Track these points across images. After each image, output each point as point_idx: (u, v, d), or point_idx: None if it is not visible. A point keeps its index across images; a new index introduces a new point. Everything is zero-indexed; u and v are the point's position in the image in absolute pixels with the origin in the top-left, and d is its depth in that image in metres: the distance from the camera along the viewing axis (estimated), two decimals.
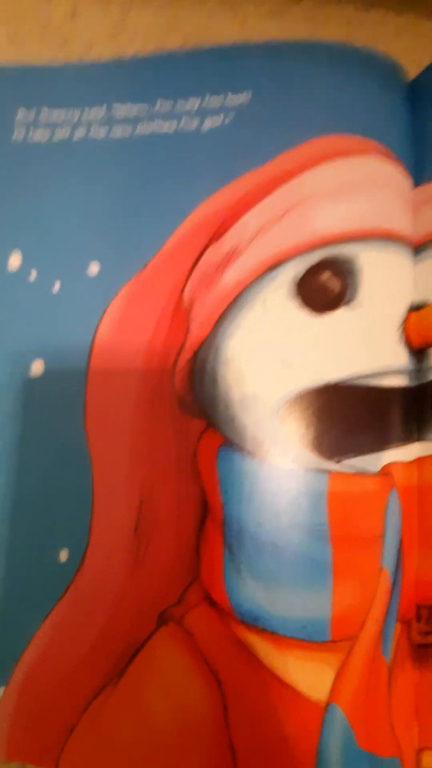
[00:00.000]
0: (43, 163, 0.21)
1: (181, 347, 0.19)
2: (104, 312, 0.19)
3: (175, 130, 0.20)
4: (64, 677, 0.17)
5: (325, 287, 0.18)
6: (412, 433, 0.18)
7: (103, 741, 0.17)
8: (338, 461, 0.17)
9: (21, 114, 0.21)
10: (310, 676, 0.16)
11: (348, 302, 0.18)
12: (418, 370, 0.18)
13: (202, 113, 0.20)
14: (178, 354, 0.19)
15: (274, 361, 0.18)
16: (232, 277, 0.19)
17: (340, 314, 0.18)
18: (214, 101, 0.20)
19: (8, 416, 0.19)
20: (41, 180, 0.20)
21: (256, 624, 0.17)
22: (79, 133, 0.21)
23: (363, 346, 0.18)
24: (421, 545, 0.18)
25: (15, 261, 0.20)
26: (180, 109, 0.20)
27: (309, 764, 0.16)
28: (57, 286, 0.19)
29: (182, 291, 0.19)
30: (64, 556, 0.18)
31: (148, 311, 0.19)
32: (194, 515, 0.18)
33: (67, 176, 0.20)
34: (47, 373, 0.19)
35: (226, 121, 0.20)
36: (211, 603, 0.17)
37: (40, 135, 0.21)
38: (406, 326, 0.18)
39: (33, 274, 0.20)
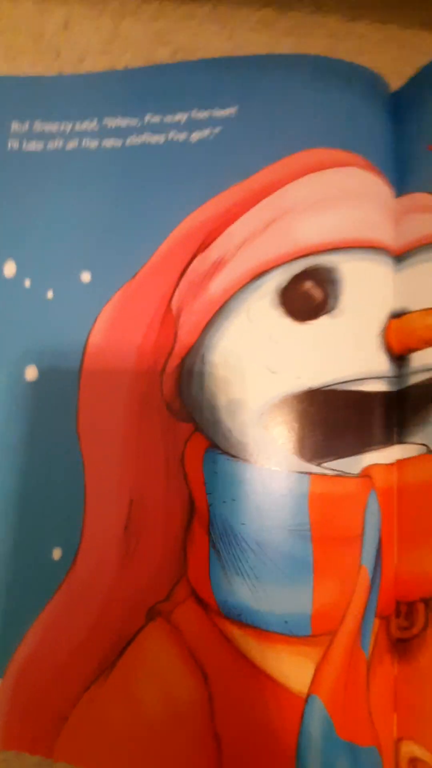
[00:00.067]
0: (37, 174, 0.21)
1: (170, 353, 0.19)
2: (96, 319, 0.20)
3: (164, 141, 0.21)
4: (57, 670, 0.18)
5: (307, 296, 0.19)
6: (392, 436, 0.19)
7: (95, 730, 0.18)
8: (319, 464, 0.18)
9: (14, 126, 0.22)
10: (291, 668, 0.17)
11: (330, 310, 0.19)
12: (398, 375, 0.19)
13: (190, 126, 0.21)
14: (167, 360, 0.19)
15: (259, 367, 0.19)
16: (218, 286, 0.19)
17: (322, 322, 0.19)
18: (201, 115, 0.21)
19: (3, 419, 0.20)
20: (34, 190, 0.21)
21: (240, 619, 0.17)
22: (72, 144, 0.21)
23: (344, 352, 0.19)
24: (400, 544, 0.18)
25: (9, 270, 0.20)
26: (169, 121, 0.21)
27: (290, 752, 0.16)
28: (50, 294, 0.20)
29: (171, 299, 0.20)
30: (57, 554, 0.19)
31: (138, 318, 0.20)
32: (182, 515, 0.18)
33: (59, 187, 0.21)
34: (41, 377, 0.20)
35: (213, 135, 0.20)
36: (198, 599, 0.18)
37: (34, 146, 0.21)
38: (386, 333, 0.19)
39: (27, 283, 0.20)
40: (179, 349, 0.19)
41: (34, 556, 0.19)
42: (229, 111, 0.20)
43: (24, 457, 0.19)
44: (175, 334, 0.19)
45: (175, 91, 0.21)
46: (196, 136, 0.21)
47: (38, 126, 0.22)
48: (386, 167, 0.20)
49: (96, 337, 0.20)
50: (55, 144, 0.21)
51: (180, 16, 0.24)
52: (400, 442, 0.19)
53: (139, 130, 0.21)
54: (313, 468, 0.18)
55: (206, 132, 0.20)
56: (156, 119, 0.21)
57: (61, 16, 0.24)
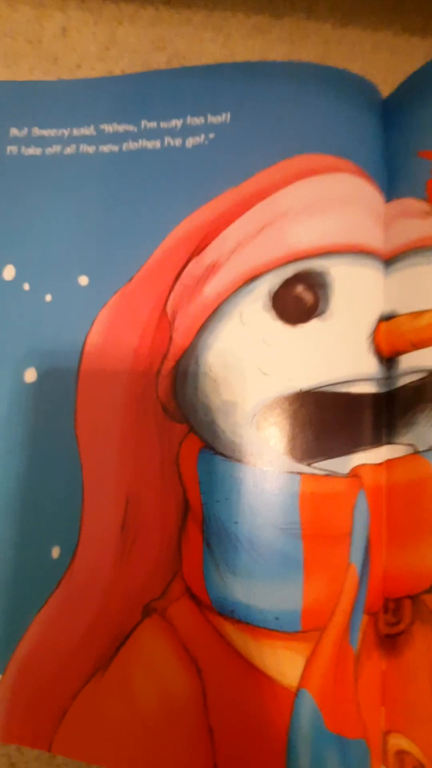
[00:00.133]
0: (35, 179, 0.22)
1: (165, 356, 0.20)
2: (93, 322, 0.20)
3: (160, 147, 0.21)
4: (57, 666, 0.18)
5: (298, 300, 0.19)
6: (381, 437, 0.19)
7: (93, 724, 0.18)
8: (310, 464, 0.18)
9: (13, 131, 0.22)
10: (282, 663, 0.17)
11: (320, 314, 0.19)
12: (387, 377, 0.19)
13: (185, 132, 0.21)
14: (162, 362, 0.20)
15: (251, 369, 0.19)
16: (212, 289, 0.20)
17: (313, 325, 0.19)
18: (196, 121, 0.21)
19: (3, 420, 0.20)
20: (33, 195, 0.21)
21: (232, 615, 0.18)
22: (69, 150, 0.22)
23: (334, 355, 0.19)
24: (388, 542, 0.19)
25: (8, 274, 0.21)
26: (164, 127, 0.21)
27: (281, 745, 0.17)
28: (48, 297, 0.21)
29: (166, 302, 0.20)
30: (56, 552, 0.19)
31: (134, 321, 0.20)
32: (177, 514, 0.19)
33: (57, 192, 0.21)
34: (40, 379, 0.20)
35: (207, 141, 0.21)
36: (192, 596, 0.18)
37: (32, 151, 0.22)
38: (376, 336, 0.19)
39: (26, 286, 0.21)
40: (174, 351, 0.20)
41: (33, 555, 0.19)
42: (223, 117, 0.21)
43: (24, 457, 0.20)
44: (171, 337, 0.20)
45: (170, 98, 0.21)
46: (191, 141, 0.21)
47: (37, 131, 0.22)
48: (376, 173, 0.20)
49: (93, 340, 0.20)
50: (54, 149, 0.22)
51: (176, 22, 0.24)
52: (389, 442, 0.19)
53: (136, 136, 0.21)
54: (304, 468, 0.18)
55: (201, 138, 0.21)
56: (152, 125, 0.21)
57: (59, 23, 0.25)
